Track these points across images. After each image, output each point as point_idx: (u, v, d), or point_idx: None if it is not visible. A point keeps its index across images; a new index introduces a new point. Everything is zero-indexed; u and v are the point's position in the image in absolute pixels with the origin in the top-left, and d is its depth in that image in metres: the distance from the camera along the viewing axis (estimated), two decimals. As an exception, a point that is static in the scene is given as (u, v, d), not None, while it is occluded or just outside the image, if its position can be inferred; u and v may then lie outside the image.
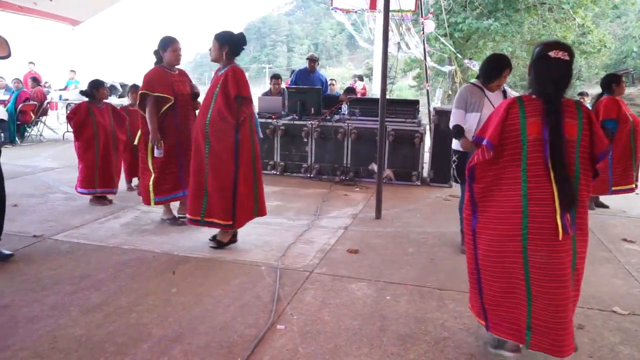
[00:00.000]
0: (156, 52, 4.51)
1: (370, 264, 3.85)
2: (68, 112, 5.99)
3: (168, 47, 4.43)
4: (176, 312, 2.98)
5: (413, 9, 9.99)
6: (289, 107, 7.48)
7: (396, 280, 3.54)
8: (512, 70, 4.07)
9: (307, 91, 7.63)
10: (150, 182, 4.50)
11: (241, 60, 4.17)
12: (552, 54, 2.24)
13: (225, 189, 3.89)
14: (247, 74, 4.12)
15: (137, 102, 4.49)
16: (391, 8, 5.87)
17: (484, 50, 20.16)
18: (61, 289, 3.25)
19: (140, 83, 4.56)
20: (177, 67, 4.60)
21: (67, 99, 12.35)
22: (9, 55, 3.58)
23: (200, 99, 4.37)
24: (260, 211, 4.17)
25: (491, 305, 2.46)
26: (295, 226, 4.77)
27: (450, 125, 3.98)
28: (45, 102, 11.13)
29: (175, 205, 4.95)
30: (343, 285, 3.45)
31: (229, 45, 3.88)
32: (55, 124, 12.65)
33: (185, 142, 4.48)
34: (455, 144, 4.06)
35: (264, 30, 60.78)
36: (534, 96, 2.31)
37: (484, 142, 2.34)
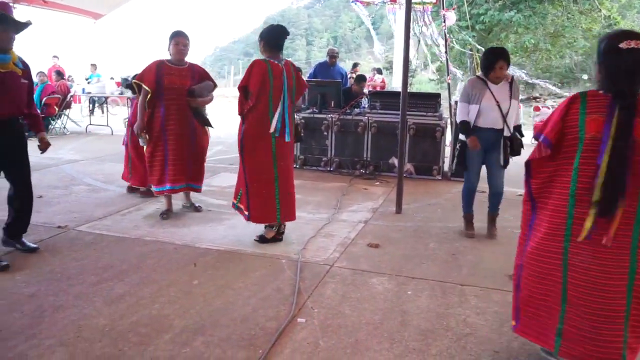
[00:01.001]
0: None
1: (391, 259, 3.83)
2: (129, 116, 6.02)
3: (172, 40, 4.50)
4: (197, 304, 3.00)
5: (434, 1, 9.88)
6: (309, 100, 7.46)
7: (417, 275, 3.51)
8: (509, 62, 4.12)
9: (327, 84, 7.60)
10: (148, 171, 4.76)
11: (259, 54, 4.17)
12: (623, 45, 2.04)
13: (241, 179, 4.09)
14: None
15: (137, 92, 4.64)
16: (413, 0, 5.79)
17: (506, 42, 19.79)
18: (85, 279, 3.30)
19: None
20: (194, 63, 4.69)
21: (89, 92, 12.52)
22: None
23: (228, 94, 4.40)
24: (286, 216, 4.07)
25: (524, 305, 2.39)
26: (315, 220, 4.77)
27: (457, 120, 4.28)
28: (69, 96, 11.30)
29: (178, 197, 5.02)
30: (364, 279, 3.43)
31: (263, 40, 4.00)
32: (78, 117, 12.84)
33: (173, 136, 4.53)
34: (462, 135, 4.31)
35: (283, 23, 60.35)
36: (601, 92, 2.14)
37: (541, 139, 2.23)
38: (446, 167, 6.92)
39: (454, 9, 10.17)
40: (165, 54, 4.60)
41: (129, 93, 9.75)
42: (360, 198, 5.68)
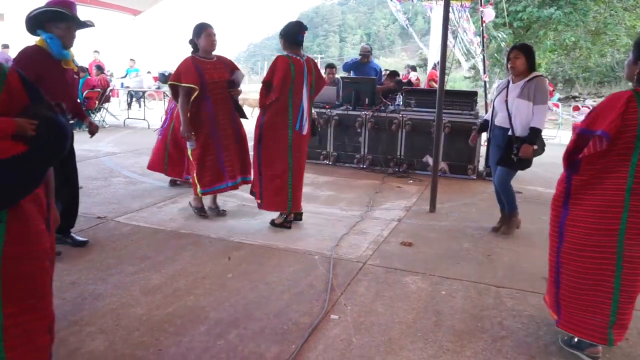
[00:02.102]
0: (191, 41, 4.36)
1: (425, 258, 3.79)
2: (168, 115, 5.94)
3: (202, 32, 4.25)
4: (232, 297, 3.04)
5: (472, -3, 9.70)
6: (343, 97, 7.44)
7: (451, 275, 3.47)
8: (528, 55, 4.01)
9: (361, 81, 7.57)
10: (194, 174, 4.40)
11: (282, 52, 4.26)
12: None
13: (254, 167, 4.29)
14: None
15: (172, 94, 4.40)
16: (451, -4, 5.71)
17: (545, 40, 19.33)
18: (123, 269, 3.38)
19: None
20: (219, 55, 4.49)
21: (128, 87, 12.81)
22: None
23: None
24: (295, 206, 4.33)
25: (568, 301, 2.42)
26: (347, 217, 4.76)
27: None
28: (108, 90, 11.59)
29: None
30: (397, 277, 3.41)
31: (282, 37, 4.18)
32: (116, 111, 13.16)
33: (223, 132, 4.38)
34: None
35: (317, 20, 60.77)
36: None
37: (599, 133, 2.22)
38: (481, 167, 6.80)
39: (491, 4, 9.94)
40: (187, 51, 4.45)
41: (166, 87, 9.94)
42: (393, 196, 5.64)
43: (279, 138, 4.14)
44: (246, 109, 15.81)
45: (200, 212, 4.59)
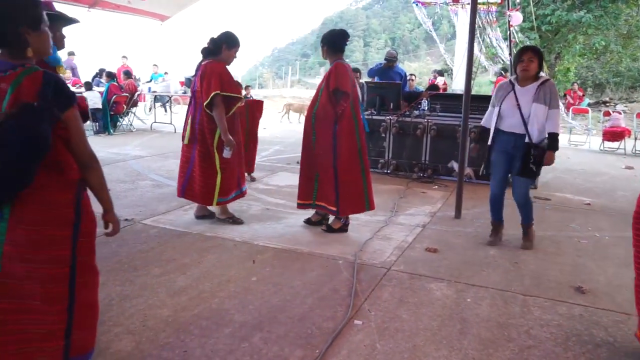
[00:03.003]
0: (214, 43, 4.20)
1: (450, 264, 3.75)
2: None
3: (234, 47, 4.24)
4: (256, 300, 3.05)
5: (499, 1, 9.60)
6: (368, 101, 7.43)
7: (477, 283, 3.42)
8: (541, 58, 3.92)
9: (386, 86, 7.55)
10: (218, 182, 4.28)
11: (317, 56, 4.33)
12: None
13: (328, 177, 4.22)
14: (322, 69, 4.24)
15: (206, 101, 4.12)
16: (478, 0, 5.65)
17: (574, 44, 18.95)
18: (150, 270, 3.43)
19: None
20: None
21: (154, 91, 13.04)
22: None
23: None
24: (370, 205, 4.37)
25: None
26: (371, 222, 4.74)
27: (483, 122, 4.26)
28: (136, 94, 11.82)
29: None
30: (421, 284, 3.38)
31: (327, 44, 4.21)
32: (143, 115, 13.40)
33: (238, 140, 4.42)
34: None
35: (341, 24, 60.80)
36: None
37: None
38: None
39: (517, 10, 9.83)
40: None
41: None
42: (417, 201, 5.60)
43: (351, 143, 4.18)
44: (292, 115, 16.00)
45: (234, 219, 4.54)
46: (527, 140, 3.87)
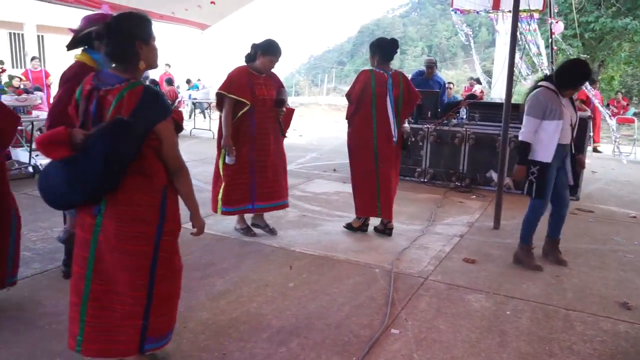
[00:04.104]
0: (254, 50, 4.12)
1: (488, 276, 3.69)
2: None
3: (270, 54, 4.06)
4: (293, 306, 3.08)
5: (541, 8, 9.41)
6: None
7: (517, 295, 3.35)
8: None
9: (424, 94, 7.48)
10: (220, 190, 4.19)
11: (353, 63, 4.41)
12: None
13: (351, 177, 4.58)
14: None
15: (215, 102, 4.17)
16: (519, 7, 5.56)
17: (619, 52, 18.37)
18: (190, 274, 3.50)
19: None
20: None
21: (195, 98, 13.33)
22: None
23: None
24: (384, 213, 4.46)
25: None
26: (408, 230, 4.72)
27: (520, 137, 3.76)
28: (177, 101, 12.11)
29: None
30: (459, 295, 3.34)
31: (377, 53, 4.33)
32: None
33: (261, 152, 4.15)
34: (533, 153, 3.76)
35: (378, 32, 60.59)
36: None
37: None
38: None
39: (557, 22, 9.61)
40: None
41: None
42: (455, 211, 5.53)
43: (365, 148, 4.35)
44: None
45: (247, 232, 4.42)
46: (572, 150, 3.84)
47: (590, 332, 2.89)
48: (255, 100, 4.03)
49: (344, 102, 5.94)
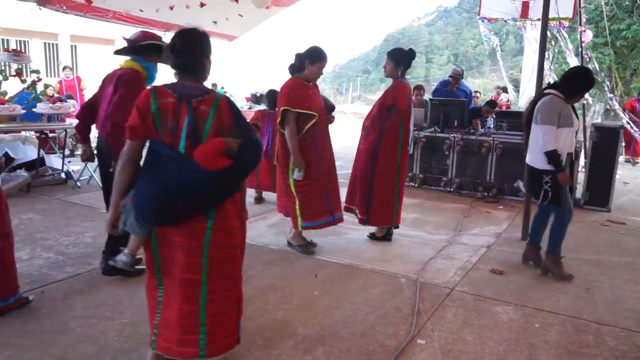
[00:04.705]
0: (299, 59, 4.09)
1: (516, 287, 3.64)
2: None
3: (319, 61, 4.01)
4: (318, 314, 3.09)
5: (571, 16, 9.27)
6: (432, 118, 7.36)
7: (546, 308, 3.29)
8: None
9: (450, 103, 7.46)
10: (297, 207, 4.08)
11: (379, 72, 4.41)
12: None
13: (363, 183, 4.46)
14: (383, 85, 4.37)
15: (278, 119, 3.99)
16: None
17: (652, 60, 17.90)
18: (217, 280, 3.55)
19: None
20: None
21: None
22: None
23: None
24: (397, 220, 4.56)
25: None
26: (434, 240, 4.68)
27: (546, 148, 3.65)
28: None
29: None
30: (486, 306, 3.30)
31: (402, 64, 4.33)
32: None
33: (327, 161, 4.17)
34: (543, 163, 3.71)
35: (403, 41, 60.48)
36: None
37: None
38: (578, 194, 6.41)
39: (585, 30, 9.44)
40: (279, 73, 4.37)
41: (257, 107, 10.41)
42: (482, 221, 5.46)
43: (390, 157, 4.37)
44: None
45: (307, 249, 4.24)
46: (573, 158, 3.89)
47: (622, 348, 2.81)
48: (316, 111, 4.01)
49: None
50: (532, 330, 2.99)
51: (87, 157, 3.87)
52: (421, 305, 3.26)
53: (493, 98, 12.88)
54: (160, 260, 2.20)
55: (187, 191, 2.04)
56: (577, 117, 3.87)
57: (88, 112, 3.67)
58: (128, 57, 3.54)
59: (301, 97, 3.95)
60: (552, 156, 3.64)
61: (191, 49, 2.17)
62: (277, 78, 4.56)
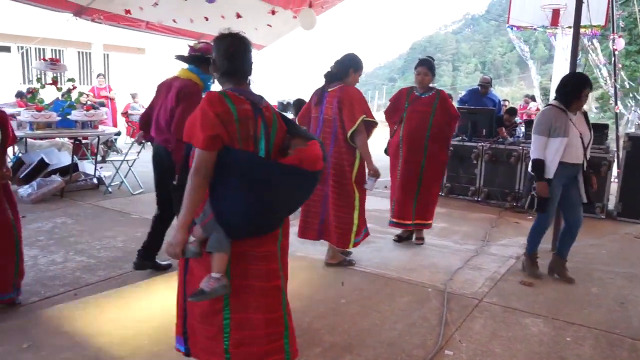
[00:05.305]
0: (341, 66, 3.95)
1: (546, 300, 3.57)
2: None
3: (361, 70, 4.02)
4: (345, 322, 3.09)
5: (603, 24, 9.11)
6: (459, 127, 7.28)
7: (577, 321, 3.22)
8: (592, 90, 3.77)
9: (478, 112, 7.39)
10: (355, 220, 3.93)
11: (405, 80, 4.48)
12: None
13: (433, 195, 4.89)
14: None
15: (352, 127, 3.78)
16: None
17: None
18: (244, 286, 3.58)
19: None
20: (440, 89, 5.00)
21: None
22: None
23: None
24: (418, 216, 4.79)
25: None
26: (462, 250, 4.63)
27: (531, 156, 3.83)
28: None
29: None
30: (516, 318, 3.25)
31: (434, 75, 4.78)
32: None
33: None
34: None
35: (430, 49, 60.07)
36: None
37: None
38: (611, 206, 6.26)
39: (620, 36, 9.25)
40: (318, 79, 4.22)
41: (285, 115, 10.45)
42: (510, 232, 5.39)
43: (394, 162, 4.82)
44: None
45: (350, 262, 4.17)
46: (585, 168, 3.84)
47: (658, 364, 2.74)
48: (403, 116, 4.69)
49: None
50: (563, 343, 2.94)
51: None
52: (449, 315, 3.23)
53: (521, 107, 12.72)
54: (231, 278, 2.05)
55: (303, 196, 2.23)
56: (590, 128, 3.84)
57: (147, 123, 3.76)
58: (186, 66, 3.61)
59: (366, 105, 3.91)
60: (534, 164, 3.77)
61: (247, 52, 2.12)
62: (304, 86, 4.62)
